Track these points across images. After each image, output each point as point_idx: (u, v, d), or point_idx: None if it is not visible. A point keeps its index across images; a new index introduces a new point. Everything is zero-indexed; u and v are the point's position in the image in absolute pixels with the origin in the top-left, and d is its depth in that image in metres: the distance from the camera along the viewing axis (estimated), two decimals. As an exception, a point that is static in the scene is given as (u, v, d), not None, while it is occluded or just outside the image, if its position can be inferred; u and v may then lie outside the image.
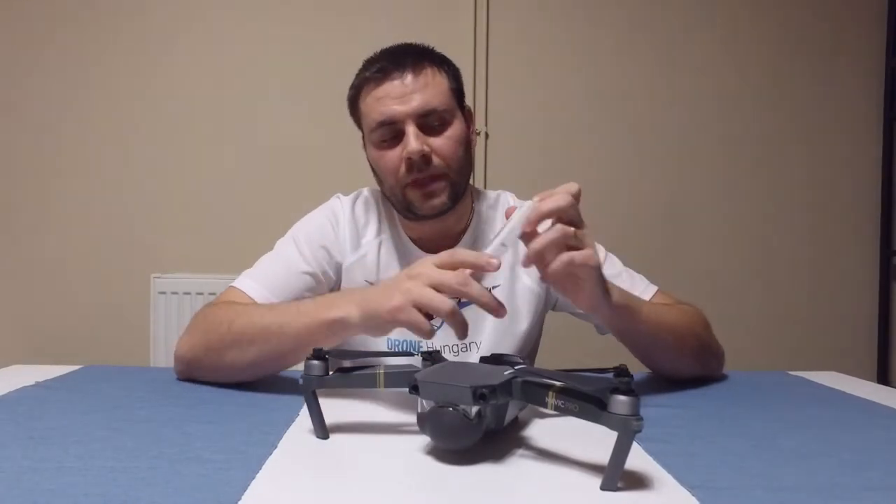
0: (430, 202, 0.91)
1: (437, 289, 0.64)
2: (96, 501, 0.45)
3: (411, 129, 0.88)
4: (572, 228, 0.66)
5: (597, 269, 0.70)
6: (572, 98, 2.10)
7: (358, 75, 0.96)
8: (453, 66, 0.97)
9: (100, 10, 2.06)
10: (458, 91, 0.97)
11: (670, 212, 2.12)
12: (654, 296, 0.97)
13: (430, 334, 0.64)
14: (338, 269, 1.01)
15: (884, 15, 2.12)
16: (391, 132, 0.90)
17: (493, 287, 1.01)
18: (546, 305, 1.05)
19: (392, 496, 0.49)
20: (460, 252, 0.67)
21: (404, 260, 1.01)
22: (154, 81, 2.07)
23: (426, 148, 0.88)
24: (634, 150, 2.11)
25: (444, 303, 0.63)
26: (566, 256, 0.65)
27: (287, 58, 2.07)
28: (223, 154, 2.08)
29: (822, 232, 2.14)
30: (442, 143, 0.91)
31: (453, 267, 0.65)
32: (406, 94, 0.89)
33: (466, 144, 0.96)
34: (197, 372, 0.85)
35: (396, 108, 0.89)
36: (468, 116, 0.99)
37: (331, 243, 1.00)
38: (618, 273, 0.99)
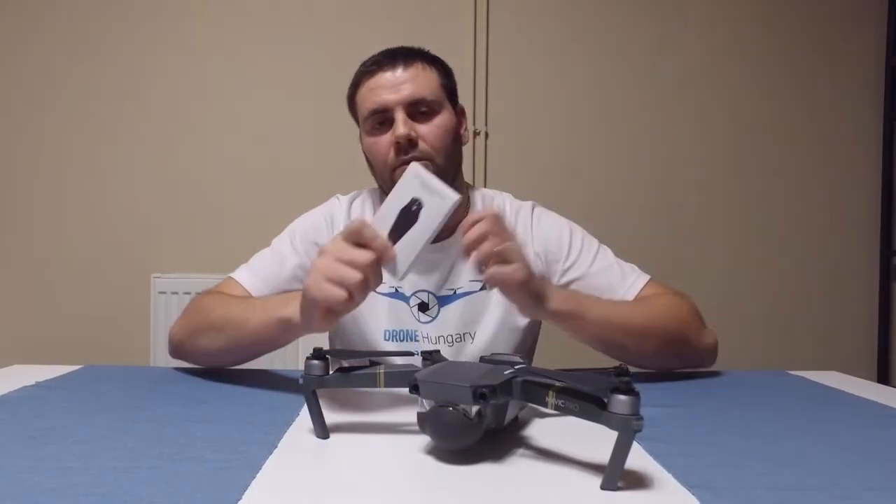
0: None
1: (349, 263, 0.65)
2: (97, 501, 0.45)
3: (400, 116, 0.94)
4: (503, 245, 0.72)
5: (520, 283, 0.74)
6: (572, 98, 2.10)
7: (358, 71, 1.01)
8: (445, 65, 1.02)
9: (99, 11, 2.06)
10: (448, 88, 1.01)
11: (669, 211, 2.12)
12: (644, 286, 0.98)
13: (347, 304, 0.65)
14: None
15: (884, 14, 2.12)
16: (382, 119, 0.96)
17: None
18: None
19: (392, 496, 0.49)
20: (369, 231, 0.66)
21: None
22: (154, 82, 2.07)
23: (413, 133, 0.93)
24: (633, 149, 2.11)
25: (352, 275, 0.64)
26: (492, 271, 0.72)
27: (287, 59, 2.07)
28: (223, 154, 2.08)
29: (822, 231, 2.14)
30: (428, 129, 0.95)
31: (359, 240, 0.66)
32: (397, 84, 0.95)
33: (454, 136, 1.00)
34: (183, 355, 0.92)
35: (387, 97, 0.94)
36: (460, 113, 1.03)
37: (323, 240, 1.01)
38: (608, 265, 1.01)
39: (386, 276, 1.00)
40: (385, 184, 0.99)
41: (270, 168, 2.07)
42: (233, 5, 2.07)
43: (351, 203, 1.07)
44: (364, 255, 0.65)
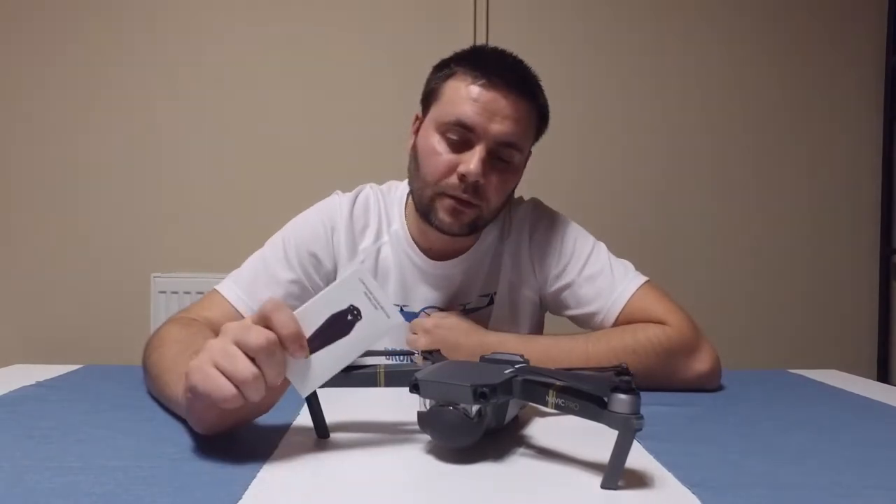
0: (450, 219, 0.90)
1: (242, 348, 0.51)
2: (97, 501, 0.45)
3: (479, 151, 0.87)
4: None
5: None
6: (571, 97, 2.10)
7: (463, 60, 0.92)
8: (546, 107, 0.97)
9: (98, 12, 2.06)
10: (538, 133, 0.97)
11: (669, 210, 2.12)
12: (636, 292, 0.94)
13: (229, 401, 0.50)
14: (327, 277, 0.99)
15: (884, 12, 2.12)
16: (461, 135, 0.88)
17: (493, 293, 1.02)
18: (543, 312, 1.07)
19: (393, 495, 0.49)
20: (282, 316, 0.52)
21: (404, 266, 0.99)
22: (153, 82, 2.07)
23: (482, 180, 0.87)
24: (633, 148, 2.11)
25: (242, 370, 0.50)
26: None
27: (286, 57, 2.07)
28: (223, 153, 2.08)
29: (822, 230, 2.14)
30: (496, 182, 0.90)
31: (268, 325, 0.52)
32: (500, 114, 0.87)
33: (513, 190, 0.97)
34: None
35: (483, 122, 0.87)
36: (528, 156, 0.98)
37: (322, 249, 0.97)
38: (599, 271, 0.96)
39: (395, 297, 0.98)
40: (422, 197, 0.92)
41: (270, 166, 2.07)
42: (231, 4, 2.07)
43: (353, 204, 1.00)
44: (259, 337, 0.50)
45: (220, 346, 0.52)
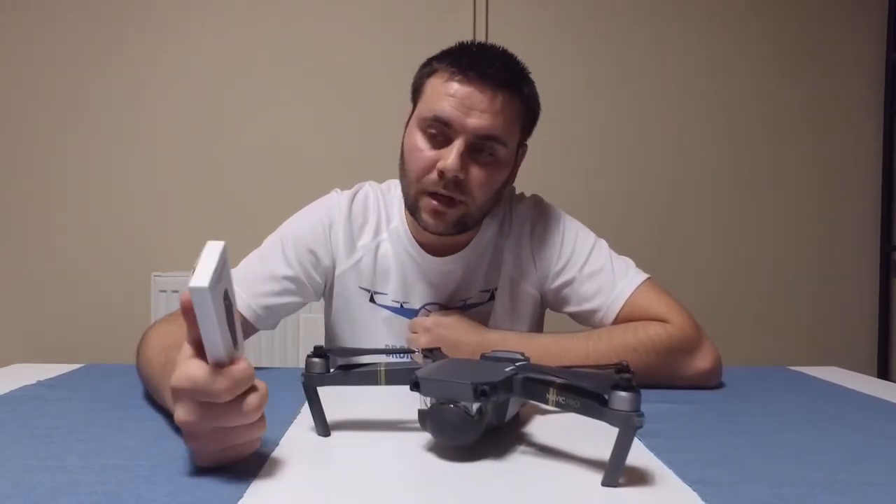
0: (434, 220, 0.90)
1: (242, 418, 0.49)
2: (98, 500, 0.45)
3: (458, 146, 0.86)
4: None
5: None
6: (571, 97, 2.09)
7: (445, 56, 0.92)
8: (534, 97, 0.94)
9: (96, 10, 2.06)
10: (525, 126, 0.95)
11: (670, 207, 2.12)
12: (636, 290, 0.94)
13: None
14: (326, 273, 0.99)
15: (885, 9, 2.12)
16: (440, 130, 0.88)
17: (493, 289, 1.02)
18: (543, 308, 1.06)
19: (394, 493, 0.49)
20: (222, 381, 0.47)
21: (404, 263, 0.99)
22: (153, 81, 2.07)
23: (461, 175, 0.87)
24: (635, 146, 2.11)
25: (245, 446, 0.51)
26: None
27: (285, 56, 2.07)
28: (223, 153, 2.07)
29: (822, 226, 2.14)
30: (479, 176, 0.88)
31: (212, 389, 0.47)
32: (477, 108, 0.86)
33: (501, 185, 0.94)
34: None
35: (460, 116, 0.86)
36: (522, 152, 0.97)
37: (320, 246, 0.98)
38: (599, 268, 0.96)
39: (395, 293, 0.99)
40: (408, 194, 0.92)
41: (270, 166, 2.07)
42: (231, 4, 2.07)
43: (351, 201, 1.00)
44: (254, 404, 0.49)
45: (216, 440, 0.49)
